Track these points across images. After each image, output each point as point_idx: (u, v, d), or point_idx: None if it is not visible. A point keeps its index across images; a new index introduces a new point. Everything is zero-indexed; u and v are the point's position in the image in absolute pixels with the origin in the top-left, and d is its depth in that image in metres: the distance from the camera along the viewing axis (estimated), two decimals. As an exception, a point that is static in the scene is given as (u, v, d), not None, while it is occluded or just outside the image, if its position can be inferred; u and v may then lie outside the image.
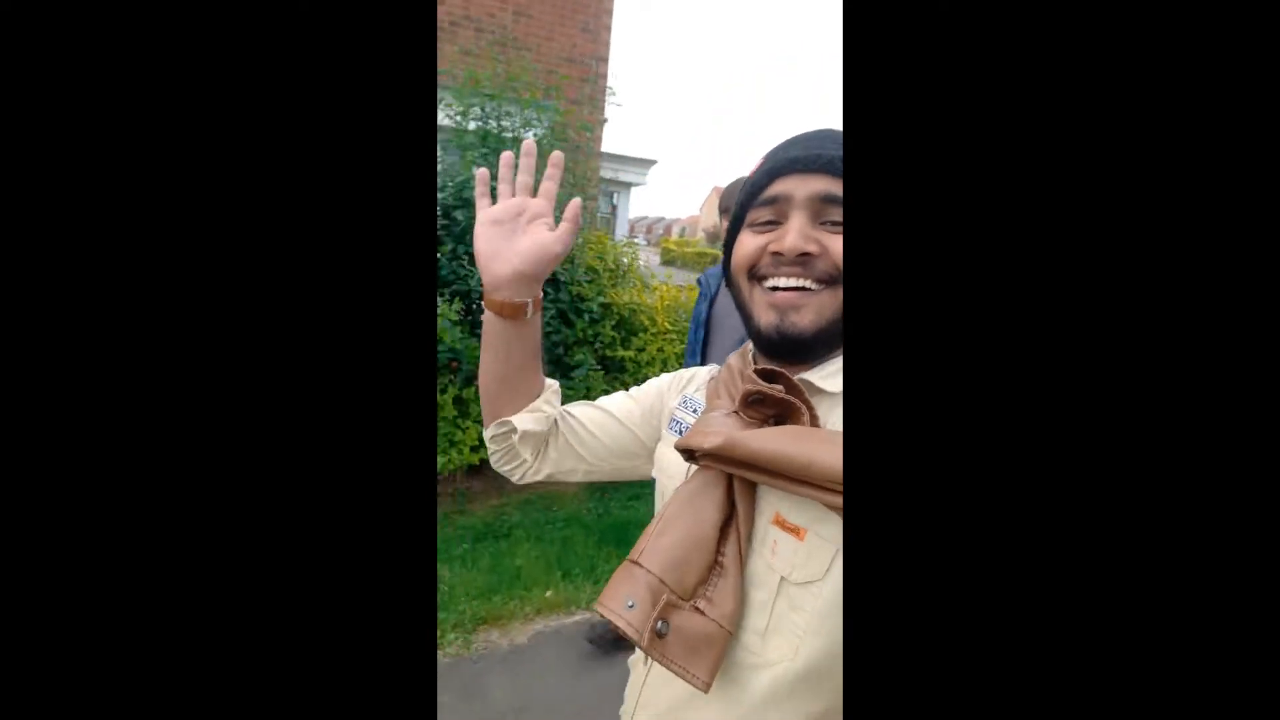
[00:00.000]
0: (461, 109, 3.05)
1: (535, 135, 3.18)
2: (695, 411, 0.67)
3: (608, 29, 4.87)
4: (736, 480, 0.53)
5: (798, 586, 0.51)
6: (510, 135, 3.11)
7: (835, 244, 0.54)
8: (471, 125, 3.10)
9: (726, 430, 0.53)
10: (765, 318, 0.56)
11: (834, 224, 0.55)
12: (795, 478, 0.48)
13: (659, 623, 0.49)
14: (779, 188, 0.56)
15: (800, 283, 0.55)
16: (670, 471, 0.65)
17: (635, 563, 0.53)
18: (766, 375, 0.55)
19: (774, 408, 0.54)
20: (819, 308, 0.55)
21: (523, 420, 0.70)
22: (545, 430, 0.72)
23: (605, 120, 3.61)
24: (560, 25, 4.62)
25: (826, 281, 0.55)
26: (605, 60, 4.84)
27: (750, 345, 0.64)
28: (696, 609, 0.51)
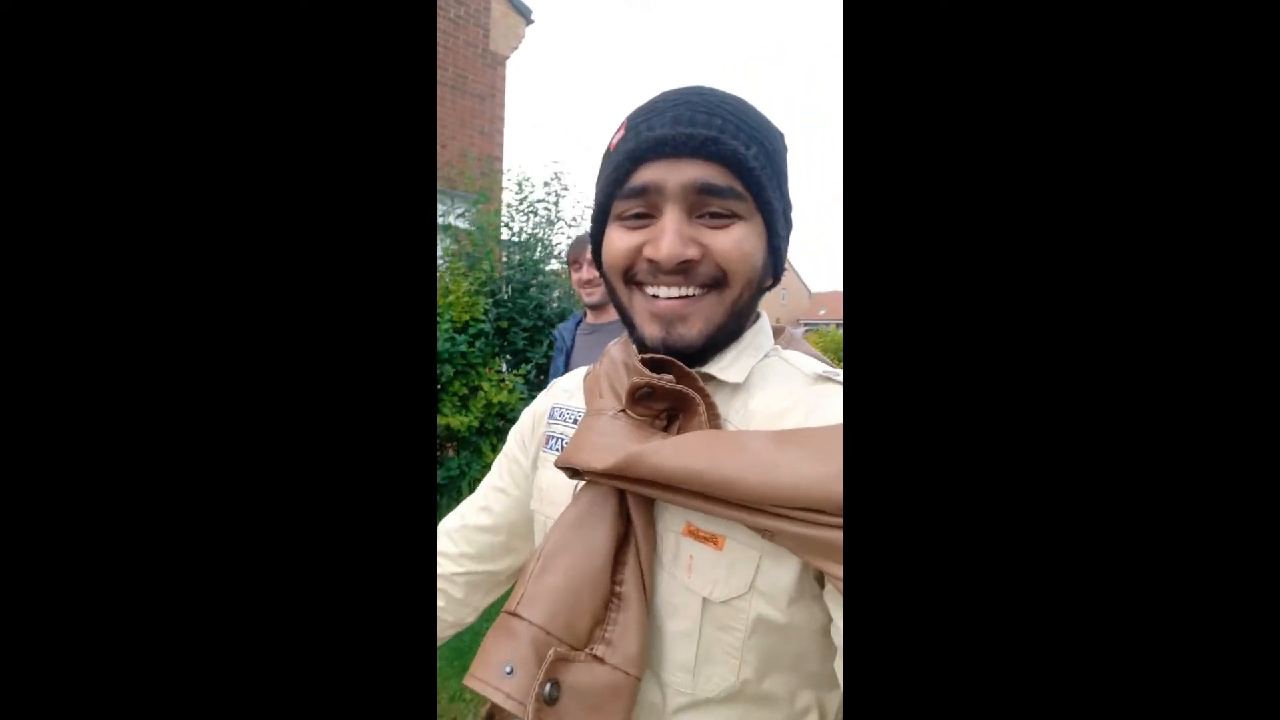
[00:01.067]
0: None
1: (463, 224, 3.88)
2: (575, 421, 0.58)
3: (500, 132, 5.81)
4: (630, 493, 0.46)
5: (723, 605, 0.44)
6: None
7: (719, 241, 0.48)
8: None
9: (618, 442, 0.46)
10: (650, 329, 0.50)
11: (714, 216, 0.48)
12: (711, 497, 0.42)
13: (547, 686, 0.41)
14: (646, 176, 0.48)
15: (683, 291, 0.48)
16: (554, 498, 0.56)
17: (513, 614, 0.44)
18: (654, 365, 0.49)
19: (665, 401, 0.49)
20: (707, 315, 0.49)
21: None
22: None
23: (508, 205, 4.39)
24: (461, 128, 5.47)
25: (711, 285, 0.48)
26: (500, 159, 5.75)
27: None
28: (594, 657, 0.43)
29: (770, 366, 0.54)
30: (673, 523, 0.47)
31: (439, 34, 5.17)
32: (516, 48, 5.93)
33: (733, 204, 0.48)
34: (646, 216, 0.49)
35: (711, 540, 0.45)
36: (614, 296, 0.54)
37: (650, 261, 0.48)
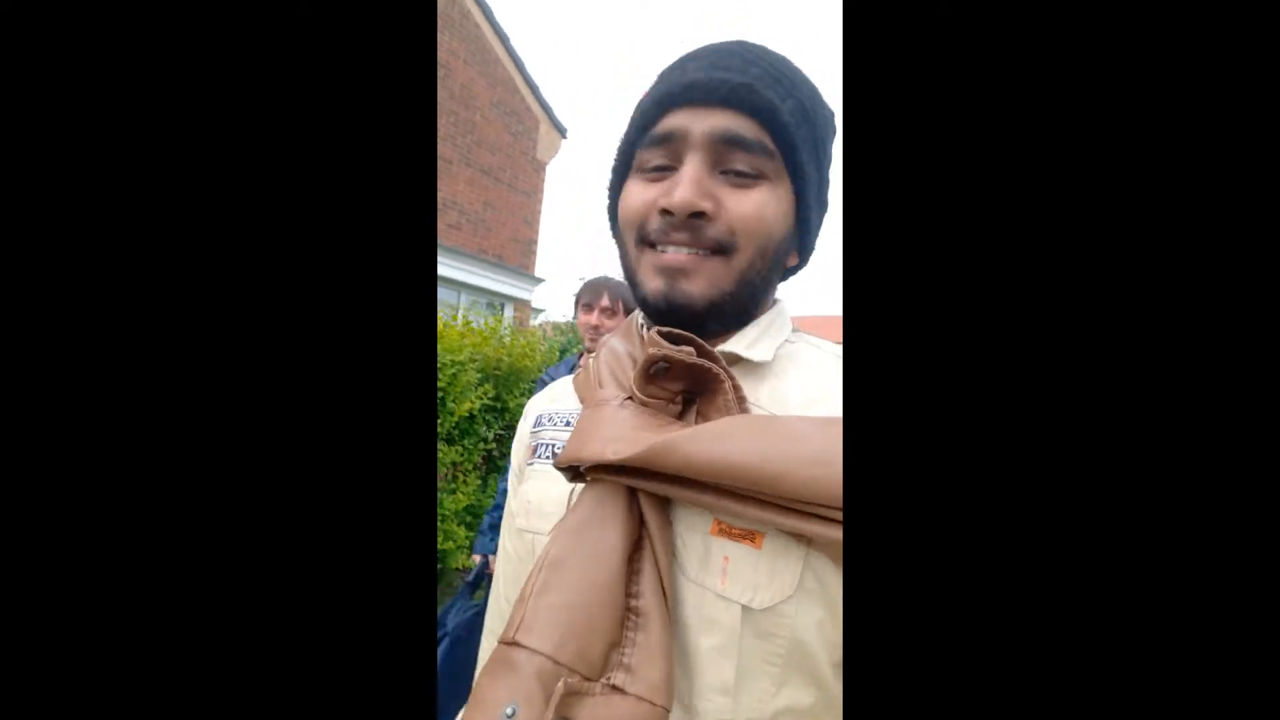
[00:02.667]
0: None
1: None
2: (567, 424, 0.52)
3: (538, 217, 7.29)
4: (642, 492, 0.40)
5: (766, 613, 0.38)
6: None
7: (736, 203, 0.43)
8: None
9: (631, 431, 0.39)
10: (652, 284, 0.45)
11: (738, 175, 0.44)
12: (744, 495, 0.36)
13: None
14: (672, 122, 0.44)
15: (691, 251, 0.44)
16: (544, 510, 0.48)
17: (512, 643, 0.36)
18: (670, 339, 0.42)
19: (682, 380, 0.42)
20: (711, 277, 0.44)
21: None
22: None
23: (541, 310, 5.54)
24: (511, 217, 6.93)
25: (716, 250, 0.44)
26: (536, 242, 7.22)
27: (638, 316, 0.52)
28: (613, 687, 0.35)
29: (797, 349, 0.49)
30: (696, 522, 0.40)
31: (502, 143, 6.72)
32: (554, 156, 7.50)
33: (761, 162, 0.44)
34: (667, 169, 0.45)
35: (749, 538, 0.38)
36: (624, 259, 0.49)
37: (663, 214, 0.44)
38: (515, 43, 6.71)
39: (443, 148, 6.13)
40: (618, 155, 0.50)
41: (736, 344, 0.47)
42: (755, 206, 0.44)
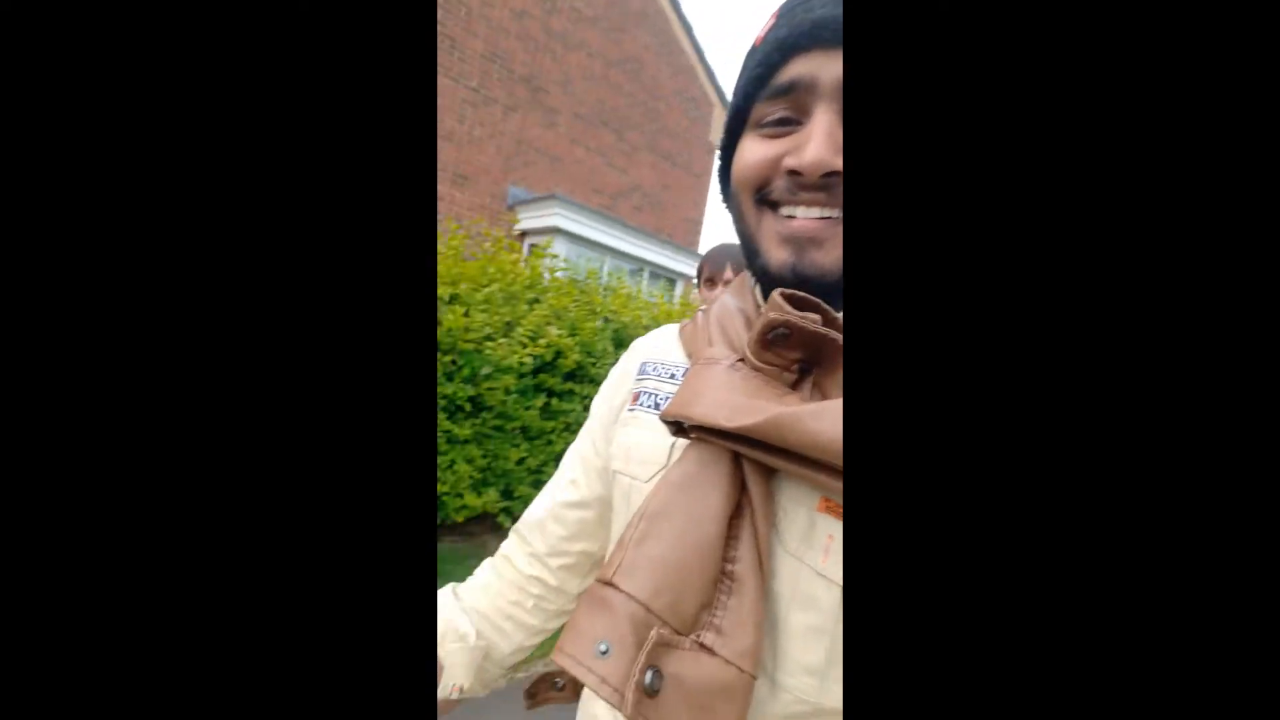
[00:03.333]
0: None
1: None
2: (673, 377, 0.49)
3: (706, 197, 7.91)
4: (747, 458, 0.38)
5: None
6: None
7: None
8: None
9: (745, 399, 0.37)
10: (777, 255, 0.41)
11: None
12: None
13: (648, 673, 0.33)
14: (796, 69, 0.39)
15: (824, 212, 0.40)
16: (642, 456, 0.47)
17: (608, 583, 0.37)
18: (795, 303, 0.39)
19: (802, 349, 0.39)
20: None
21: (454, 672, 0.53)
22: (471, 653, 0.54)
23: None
24: (684, 196, 7.61)
25: None
26: (702, 221, 7.88)
27: (747, 275, 0.49)
28: (702, 645, 0.35)
29: None
30: (802, 496, 0.38)
31: (680, 128, 7.35)
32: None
33: None
34: (791, 122, 0.40)
35: None
36: (740, 223, 0.45)
37: (790, 174, 0.39)
38: (697, 32, 7.23)
39: (631, 135, 6.88)
40: (731, 110, 0.45)
41: None
42: None
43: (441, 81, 5.28)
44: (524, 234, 5.92)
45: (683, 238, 7.64)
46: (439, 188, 5.38)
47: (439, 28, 5.07)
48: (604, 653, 0.34)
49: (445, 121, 5.39)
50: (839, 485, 0.34)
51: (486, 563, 0.62)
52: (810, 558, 0.37)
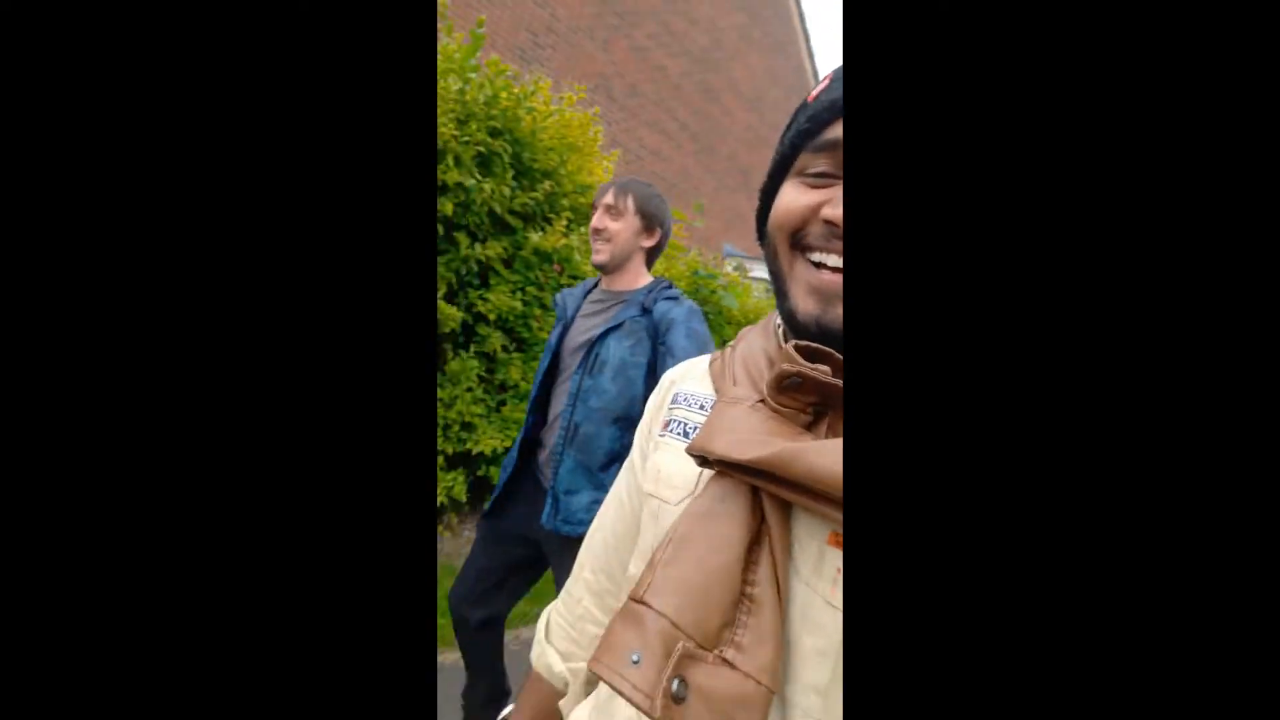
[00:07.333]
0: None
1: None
2: (702, 408, 0.53)
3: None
4: (765, 492, 0.41)
5: None
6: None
7: None
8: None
9: (761, 436, 0.41)
10: (805, 305, 0.44)
11: None
12: None
13: (675, 682, 0.36)
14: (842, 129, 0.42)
15: None
16: (672, 482, 0.50)
17: (640, 601, 0.40)
18: (808, 354, 0.42)
19: (815, 394, 0.42)
20: None
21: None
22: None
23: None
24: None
25: None
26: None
27: (776, 319, 0.52)
28: (724, 660, 0.38)
29: None
30: (814, 529, 0.41)
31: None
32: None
33: None
34: (832, 177, 0.43)
35: None
36: (773, 263, 0.48)
37: (827, 224, 0.42)
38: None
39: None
40: (776, 157, 0.48)
41: None
42: None
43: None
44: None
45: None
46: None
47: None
48: (636, 662, 0.37)
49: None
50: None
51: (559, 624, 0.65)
52: (820, 588, 0.39)
